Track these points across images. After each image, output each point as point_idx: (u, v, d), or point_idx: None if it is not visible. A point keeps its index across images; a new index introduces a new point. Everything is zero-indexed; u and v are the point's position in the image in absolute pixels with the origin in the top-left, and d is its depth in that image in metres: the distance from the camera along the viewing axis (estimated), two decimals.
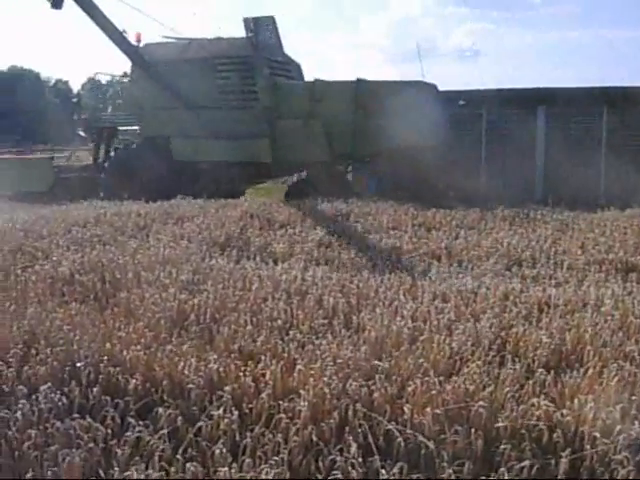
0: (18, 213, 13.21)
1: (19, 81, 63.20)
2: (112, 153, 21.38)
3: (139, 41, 19.69)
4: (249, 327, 5.67)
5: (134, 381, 4.65)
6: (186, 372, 4.76)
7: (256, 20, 19.32)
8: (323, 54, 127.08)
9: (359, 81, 18.47)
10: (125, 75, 21.61)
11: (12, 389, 4.61)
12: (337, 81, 19.55)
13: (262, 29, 19.35)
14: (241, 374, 4.69)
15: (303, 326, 5.84)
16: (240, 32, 19.39)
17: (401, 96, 17.02)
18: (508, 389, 4.52)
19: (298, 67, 20.33)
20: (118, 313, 6.14)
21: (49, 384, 4.54)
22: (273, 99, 18.40)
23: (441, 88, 19.31)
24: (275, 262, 8.45)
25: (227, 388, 4.47)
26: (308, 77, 20.54)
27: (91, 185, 18.58)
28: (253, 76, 18.63)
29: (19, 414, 4.17)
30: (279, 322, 5.88)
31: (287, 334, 5.61)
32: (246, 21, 19.34)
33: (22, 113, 55.08)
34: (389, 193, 15.30)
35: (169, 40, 20.06)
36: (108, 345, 5.17)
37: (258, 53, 18.78)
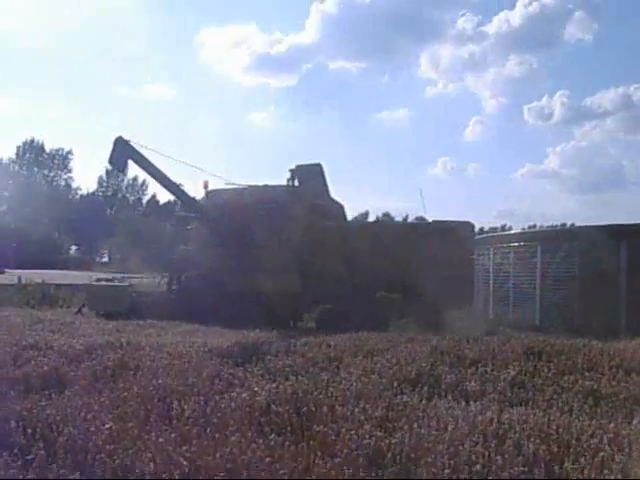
0: (211, 338, 13.84)
1: None
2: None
3: (206, 187, 23.26)
4: (447, 470, 5.53)
5: None
6: None
7: (300, 168, 22.26)
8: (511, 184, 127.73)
9: (377, 222, 21.81)
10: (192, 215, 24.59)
11: None
12: (360, 221, 24.29)
13: (306, 177, 22.13)
14: None
15: (503, 473, 5.62)
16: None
17: (421, 234, 20.40)
18: None
19: (341, 209, 22.66)
20: (314, 447, 6.19)
21: None
22: (306, 239, 20.80)
23: (628, 220, 20.23)
24: (467, 401, 8.25)
25: None
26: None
27: (161, 308, 20.84)
28: (288, 220, 21.14)
29: None
30: (477, 467, 5.69)
31: None
32: (292, 171, 22.38)
33: None
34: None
35: (230, 186, 23.20)
36: None
37: (294, 200, 21.58)
